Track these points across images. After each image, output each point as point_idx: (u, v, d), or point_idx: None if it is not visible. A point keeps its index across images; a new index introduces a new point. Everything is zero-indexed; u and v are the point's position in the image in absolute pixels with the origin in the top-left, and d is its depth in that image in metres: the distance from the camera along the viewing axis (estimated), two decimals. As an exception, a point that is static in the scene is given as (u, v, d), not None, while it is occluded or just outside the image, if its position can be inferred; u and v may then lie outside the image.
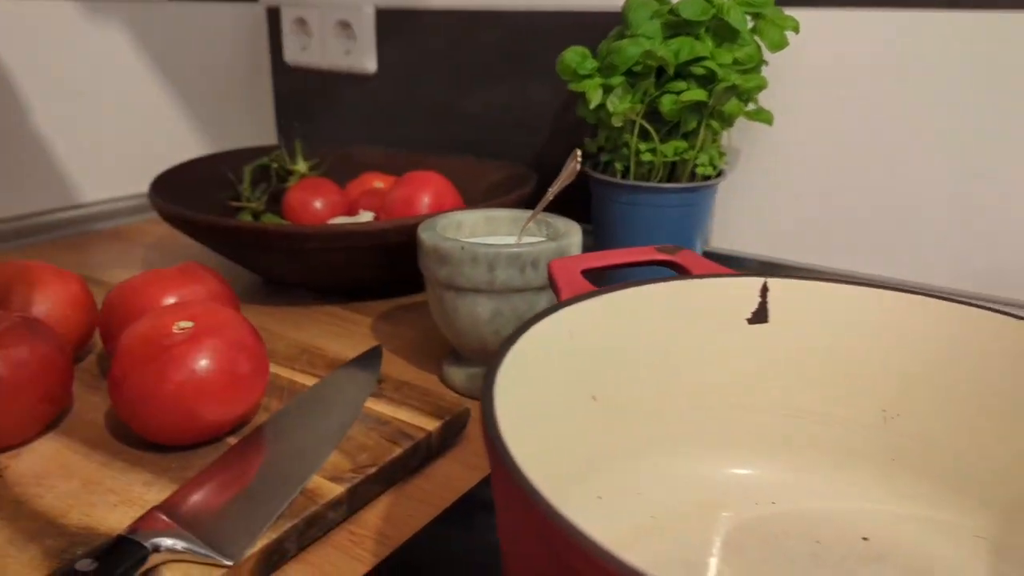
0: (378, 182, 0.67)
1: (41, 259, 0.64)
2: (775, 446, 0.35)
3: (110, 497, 0.33)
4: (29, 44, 0.70)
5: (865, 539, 0.32)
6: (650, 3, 0.54)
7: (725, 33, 0.52)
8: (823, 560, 0.31)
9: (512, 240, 0.47)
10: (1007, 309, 0.31)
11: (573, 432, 0.31)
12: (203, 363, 0.34)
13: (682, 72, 0.52)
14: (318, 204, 0.63)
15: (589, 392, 0.32)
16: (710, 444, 0.35)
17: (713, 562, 0.31)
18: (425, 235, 0.43)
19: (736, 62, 0.52)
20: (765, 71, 0.60)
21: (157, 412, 0.34)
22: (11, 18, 0.69)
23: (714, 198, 0.59)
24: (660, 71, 0.53)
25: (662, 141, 0.54)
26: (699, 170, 0.55)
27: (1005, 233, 0.55)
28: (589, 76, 0.54)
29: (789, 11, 0.54)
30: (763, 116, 0.58)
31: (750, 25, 0.54)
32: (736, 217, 0.66)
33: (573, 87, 0.54)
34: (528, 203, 0.61)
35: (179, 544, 0.28)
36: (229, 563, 0.28)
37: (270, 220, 0.64)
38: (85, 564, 0.26)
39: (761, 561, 0.31)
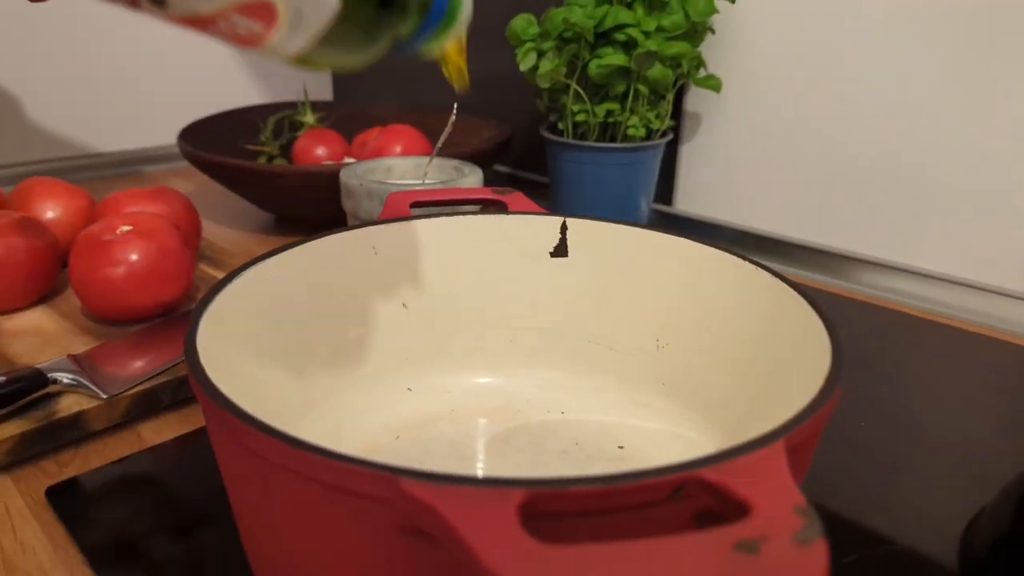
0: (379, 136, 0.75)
1: (97, 188, 0.78)
2: (569, 365, 0.40)
3: (56, 349, 0.44)
4: (115, 11, 0.84)
5: (620, 447, 0.37)
6: (594, -26, 0.58)
7: (654, 2, 0.56)
8: (571, 456, 0.37)
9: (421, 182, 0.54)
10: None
11: (384, 334, 0.39)
12: (131, 257, 0.44)
13: (609, 38, 0.57)
14: (320, 151, 0.73)
15: (400, 300, 0.39)
16: (509, 358, 0.41)
17: (480, 444, 0.37)
18: (342, 174, 0.51)
19: (660, 29, 0.56)
20: (714, 38, 0.63)
21: (95, 293, 0.44)
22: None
23: (656, 160, 0.63)
24: (598, 37, 0.58)
25: (597, 104, 0.59)
26: (630, 132, 0.59)
27: (967, 206, 0.56)
28: (531, 40, 0.59)
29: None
30: (711, 83, 0.61)
31: (686, -5, 0.57)
32: (701, 181, 0.69)
33: (517, 51, 0.60)
34: (494, 157, 0.68)
35: (67, 377, 0.38)
36: (104, 396, 0.38)
37: (277, 163, 0.75)
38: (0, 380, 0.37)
39: (519, 449, 0.37)
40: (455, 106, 0.49)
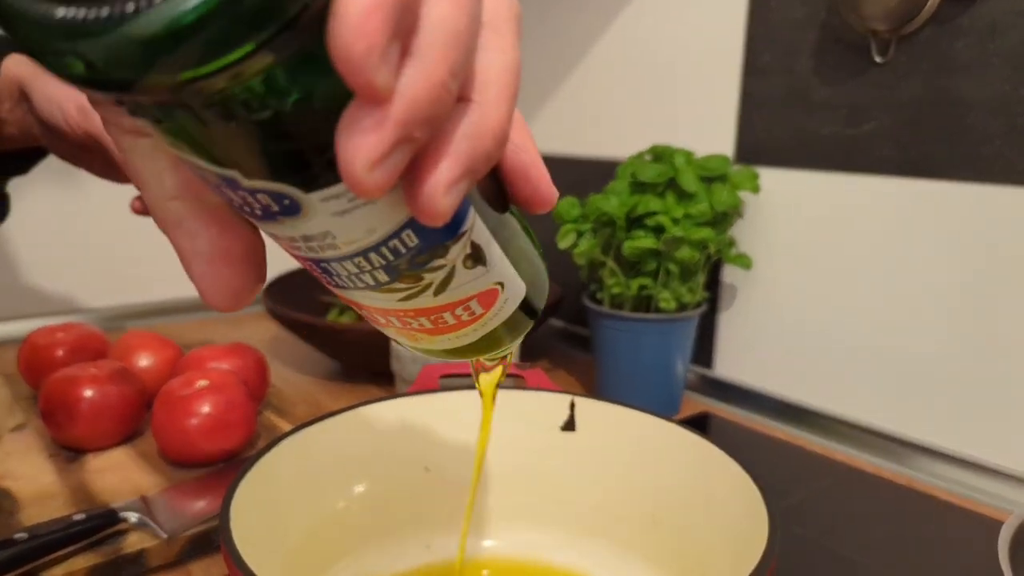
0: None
1: (191, 329, 0.88)
2: (574, 530, 0.44)
3: (129, 487, 0.50)
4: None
5: (617, 615, 0.40)
6: (632, 164, 0.65)
7: (683, 193, 0.62)
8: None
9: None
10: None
11: (405, 495, 0.43)
12: (203, 410, 0.51)
13: (641, 223, 0.63)
14: (387, 306, 0.80)
15: (423, 464, 0.44)
16: (519, 520, 0.44)
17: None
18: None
19: (688, 216, 0.61)
20: (745, 220, 0.68)
21: (170, 440, 0.51)
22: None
23: (690, 329, 0.67)
24: (632, 221, 0.64)
25: (631, 278, 0.65)
26: (662, 304, 0.64)
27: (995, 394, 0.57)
28: (574, 222, 0.66)
29: (773, 171, 0.63)
30: (742, 261, 0.66)
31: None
32: (739, 348, 0.73)
33: (561, 230, 0.66)
34: (545, 316, 0.73)
35: (135, 516, 0.44)
36: (164, 535, 0.44)
37: (348, 318, 0.83)
38: (80, 517, 0.43)
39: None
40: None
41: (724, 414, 0.70)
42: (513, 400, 0.45)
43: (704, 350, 0.75)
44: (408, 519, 0.43)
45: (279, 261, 1.00)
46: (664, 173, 0.62)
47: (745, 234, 0.70)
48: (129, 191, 0.75)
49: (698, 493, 0.39)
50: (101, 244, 0.92)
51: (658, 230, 0.62)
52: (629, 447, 0.42)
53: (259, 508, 0.34)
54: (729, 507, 0.36)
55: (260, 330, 0.93)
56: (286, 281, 0.84)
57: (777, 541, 0.29)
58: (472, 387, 0.45)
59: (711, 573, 0.37)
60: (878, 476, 0.57)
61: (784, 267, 0.67)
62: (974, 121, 0.54)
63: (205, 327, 0.94)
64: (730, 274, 0.72)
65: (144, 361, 0.61)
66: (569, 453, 0.44)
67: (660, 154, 0.65)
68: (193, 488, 0.49)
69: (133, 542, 0.44)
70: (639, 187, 0.64)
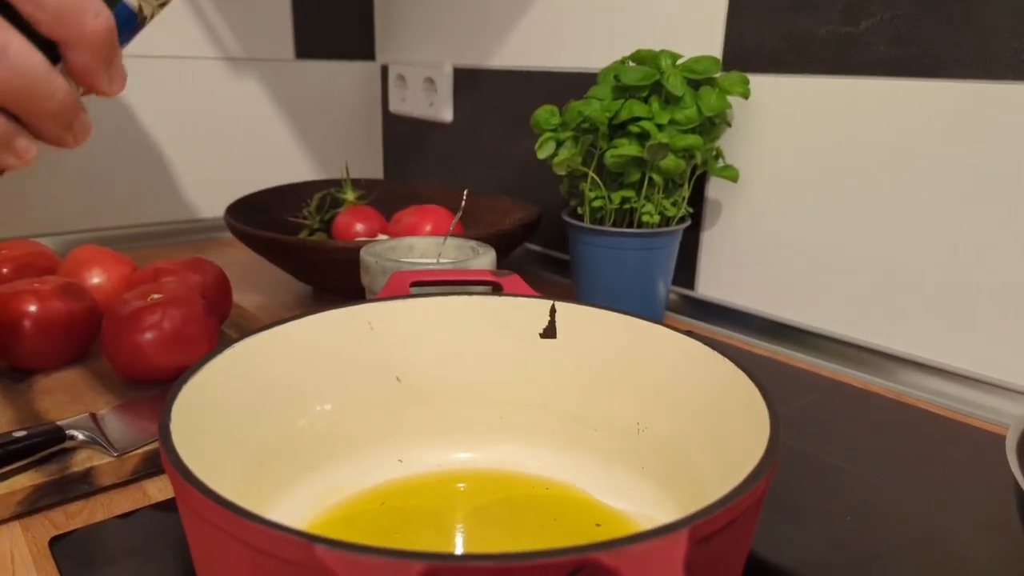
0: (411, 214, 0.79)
1: (150, 256, 0.84)
2: (554, 443, 0.41)
3: (81, 405, 0.47)
4: (184, 93, 0.92)
5: (597, 525, 0.38)
6: (614, 67, 0.61)
7: (670, 97, 0.59)
8: (548, 531, 0.37)
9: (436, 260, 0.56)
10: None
11: (376, 406, 0.41)
12: (157, 323, 0.48)
13: (625, 130, 0.59)
14: (359, 227, 0.77)
15: (394, 374, 0.41)
16: (497, 433, 0.42)
17: (461, 515, 0.38)
18: (362, 251, 0.54)
19: (674, 122, 0.58)
20: (732, 131, 0.65)
21: (123, 356, 0.48)
22: (169, 72, 0.91)
23: (673, 245, 0.64)
24: (614, 128, 0.61)
25: (614, 190, 0.61)
26: (644, 218, 0.61)
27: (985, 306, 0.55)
28: (553, 131, 0.62)
29: (762, 76, 0.59)
30: (728, 173, 0.63)
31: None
32: (722, 266, 0.70)
33: (539, 139, 0.63)
34: (522, 237, 0.70)
35: (83, 434, 0.41)
36: (115, 454, 0.41)
37: (318, 237, 0.79)
38: (20, 434, 0.40)
39: (498, 522, 0.37)
40: (465, 192, 0.52)
41: (707, 334, 0.68)
42: (490, 307, 0.42)
43: (686, 270, 0.72)
44: (378, 432, 0.40)
45: (243, 181, 0.95)
46: (649, 76, 0.58)
47: (731, 145, 0.66)
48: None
49: (688, 398, 0.36)
50: (57, 164, 0.87)
51: (642, 137, 0.58)
52: (614, 352, 0.40)
53: (208, 417, 0.31)
54: (723, 412, 0.33)
55: (224, 256, 0.89)
56: (250, 201, 0.80)
57: (778, 442, 0.26)
58: (446, 294, 0.42)
59: (701, 482, 0.35)
60: (866, 390, 0.56)
61: (772, 180, 0.65)
62: (981, 13, 0.50)
63: (165, 254, 0.89)
64: (715, 189, 0.69)
65: (96, 278, 0.57)
66: (549, 361, 0.41)
67: (644, 58, 0.61)
68: (148, 405, 0.46)
69: (81, 460, 0.41)
70: (622, 91, 0.60)
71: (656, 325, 0.38)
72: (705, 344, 0.35)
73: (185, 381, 0.30)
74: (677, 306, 0.73)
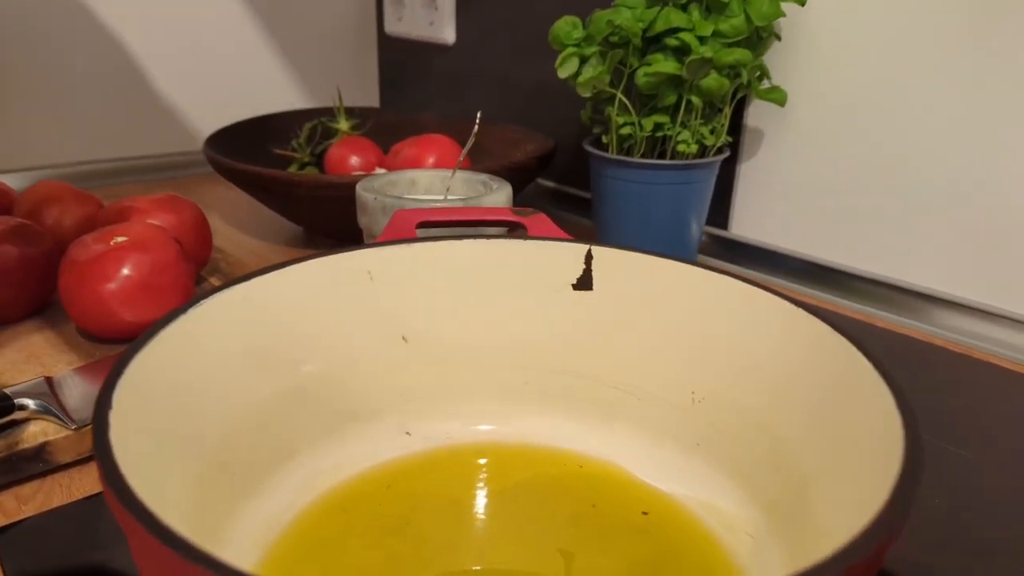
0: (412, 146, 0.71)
1: (121, 195, 0.76)
2: (589, 414, 0.35)
3: (37, 367, 0.41)
4: (160, 13, 0.83)
5: (644, 514, 0.32)
6: (646, -27, 0.53)
7: (713, 4, 0.51)
8: (586, 523, 0.31)
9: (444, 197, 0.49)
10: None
11: (384, 369, 0.34)
12: (123, 272, 0.41)
13: (660, 44, 0.51)
14: (354, 160, 0.69)
15: (399, 333, 0.35)
16: (521, 402, 0.35)
17: (481, 502, 0.32)
18: (358, 186, 0.47)
19: (718, 34, 0.50)
20: (781, 46, 0.57)
21: (84, 308, 0.41)
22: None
23: (710, 179, 0.57)
24: (648, 42, 0.53)
25: (645, 115, 0.54)
26: (680, 148, 0.54)
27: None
28: (575, 46, 0.54)
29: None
30: (775, 95, 0.55)
31: (749, -3, 0.51)
32: (761, 204, 0.63)
33: (560, 56, 0.55)
34: (536, 171, 0.63)
35: (34, 403, 0.35)
36: (72, 426, 0.35)
37: (308, 171, 0.71)
38: (-42, 405, 0.33)
39: (525, 511, 0.32)
40: (479, 115, 0.44)
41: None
42: (514, 253, 0.35)
43: (720, 208, 0.65)
44: (381, 401, 0.34)
45: (226, 110, 0.86)
46: (689, -20, 0.50)
47: (776, 64, 0.58)
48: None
49: (763, 364, 0.30)
50: (19, 91, 0.79)
51: (681, 52, 0.51)
52: (664, 308, 0.33)
53: (169, 389, 0.25)
54: (816, 386, 0.27)
55: (205, 194, 0.81)
56: (233, 132, 0.72)
57: (920, 448, 0.19)
58: (459, 237, 0.35)
59: (789, 466, 0.29)
60: (930, 343, 0.49)
61: (822, 104, 0.57)
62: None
63: (140, 192, 0.81)
64: (755, 116, 0.61)
65: (55, 217, 0.50)
66: (584, 317, 0.35)
67: (682, -40, 0.53)
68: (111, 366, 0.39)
69: (33, 434, 0.35)
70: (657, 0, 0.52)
71: (719, 275, 0.31)
72: (787, 300, 0.29)
73: (136, 351, 0.24)
74: (707, 247, 0.67)
